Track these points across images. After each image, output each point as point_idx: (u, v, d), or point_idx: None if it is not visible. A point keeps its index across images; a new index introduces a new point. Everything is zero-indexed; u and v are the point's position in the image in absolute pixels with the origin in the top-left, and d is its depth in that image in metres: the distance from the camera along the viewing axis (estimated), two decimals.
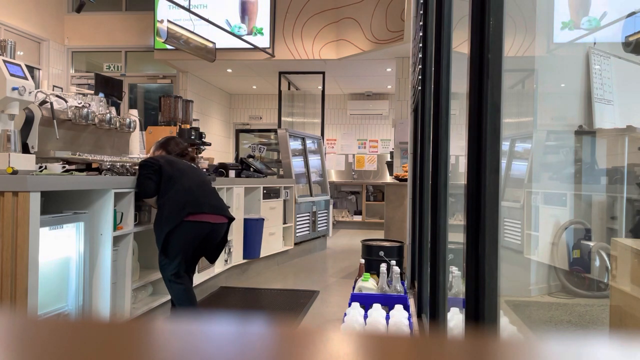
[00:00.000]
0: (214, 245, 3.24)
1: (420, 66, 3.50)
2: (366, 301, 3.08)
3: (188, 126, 4.84)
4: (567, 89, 3.10)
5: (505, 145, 3.15)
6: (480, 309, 1.23)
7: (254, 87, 10.43)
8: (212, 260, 3.35)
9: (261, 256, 5.24)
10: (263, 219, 5.16)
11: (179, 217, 2.98)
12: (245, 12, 7.95)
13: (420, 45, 3.37)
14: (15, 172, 2.41)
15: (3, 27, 7.45)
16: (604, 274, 2.32)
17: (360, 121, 10.77)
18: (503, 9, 1.22)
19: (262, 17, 7.90)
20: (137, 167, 3.16)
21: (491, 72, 1.21)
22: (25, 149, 2.96)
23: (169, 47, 7.22)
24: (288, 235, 6.00)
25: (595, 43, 2.93)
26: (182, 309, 3.09)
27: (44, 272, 2.45)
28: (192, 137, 4.64)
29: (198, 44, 6.86)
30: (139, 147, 4.51)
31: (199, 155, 4.74)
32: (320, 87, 9.04)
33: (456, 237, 2.26)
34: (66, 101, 3.38)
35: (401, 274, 3.46)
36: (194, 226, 3.03)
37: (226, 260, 4.63)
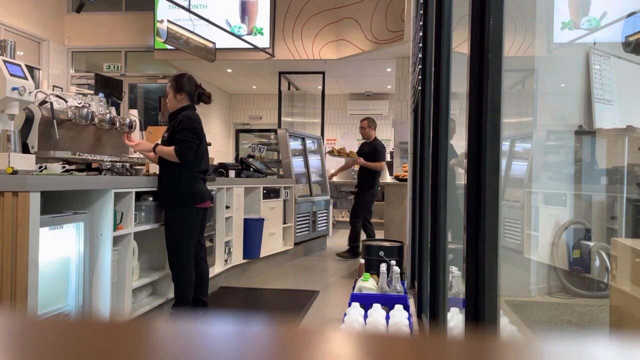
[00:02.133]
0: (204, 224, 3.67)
1: (420, 66, 3.50)
2: (366, 301, 3.08)
3: None
4: (567, 89, 3.10)
5: (505, 145, 3.15)
6: (480, 309, 1.23)
7: (254, 87, 10.43)
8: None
9: (261, 256, 5.24)
10: (263, 219, 5.15)
11: (192, 202, 3.35)
12: (245, 12, 7.95)
13: (420, 45, 3.37)
14: (15, 172, 2.40)
15: (3, 27, 7.46)
16: (604, 274, 2.32)
17: None
18: (503, 9, 1.22)
19: (262, 17, 7.90)
20: (184, 132, 3.27)
21: (491, 72, 1.21)
22: (25, 149, 2.95)
23: (169, 47, 7.22)
24: (288, 235, 6.00)
25: (595, 43, 2.92)
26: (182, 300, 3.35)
27: (44, 272, 2.45)
28: None
29: (198, 44, 6.85)
30: None
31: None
32: (320, 87, 9.03)
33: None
34: (66, 101, 3.38)
35: (401, 274, 3.46)
36: (200, 211, 3.44)
37: (226, 260, 4.63)
